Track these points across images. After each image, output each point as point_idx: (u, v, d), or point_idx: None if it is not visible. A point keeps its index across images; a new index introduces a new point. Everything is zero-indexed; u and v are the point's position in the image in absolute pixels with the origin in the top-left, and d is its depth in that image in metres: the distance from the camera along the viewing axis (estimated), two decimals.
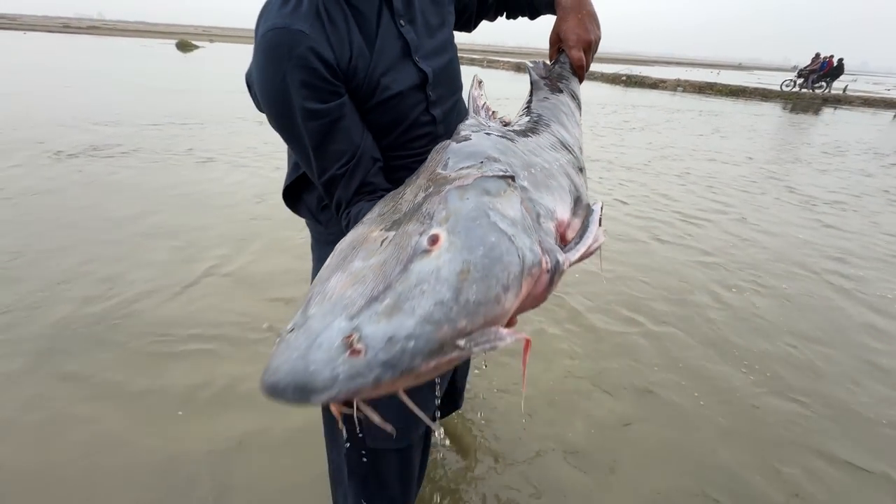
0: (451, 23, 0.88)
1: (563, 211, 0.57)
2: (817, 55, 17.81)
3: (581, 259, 0.56)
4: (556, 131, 0.74)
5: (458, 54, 0.91)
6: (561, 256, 0.50)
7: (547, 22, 0.97)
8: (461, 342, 0.38)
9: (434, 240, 0.42)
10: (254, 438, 1.55)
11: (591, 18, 0.88)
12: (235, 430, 1.58)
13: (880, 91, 22.93)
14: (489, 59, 27.03)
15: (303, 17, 0.67)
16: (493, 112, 0.75)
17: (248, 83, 0.78)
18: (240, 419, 1.62)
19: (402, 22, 0.77)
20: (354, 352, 0.35)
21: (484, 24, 1.04)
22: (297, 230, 3.11)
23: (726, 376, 2.00)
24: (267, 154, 5.05)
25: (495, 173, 0.51)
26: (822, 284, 2.87)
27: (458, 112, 0.88)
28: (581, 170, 0.72)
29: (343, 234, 0.62)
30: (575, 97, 0.90)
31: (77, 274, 2.48)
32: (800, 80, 18.03)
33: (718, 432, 1.70)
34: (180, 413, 1.64)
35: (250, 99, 0.80)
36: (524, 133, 0.69)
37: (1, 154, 4.45)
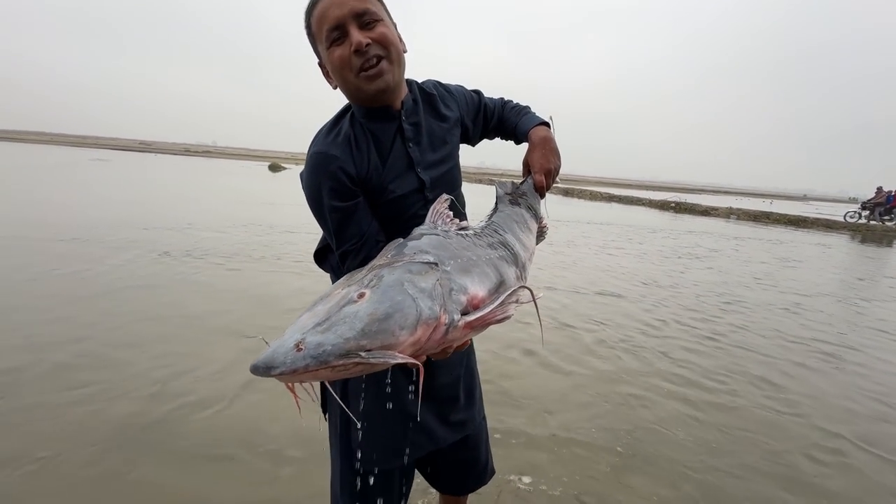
0: (454, 140, 1.11)
1: (480, 290, 0.79)
2: (880, 188, 17.45)
3: (480, 322, 0.73)
4: (503, 235, 0.98)
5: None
6: (457, 317, 0.71)
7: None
8: (363, 354, 0.60)
9: (361, 295, 0.66)
10: None
11: (552, 152, 1.12)
12: None
13: None
14: (478, 177, 28.90)
15: (338, 145, 0.95)
16: (453, 220, 0.94)
17: (301, 178, 1.04)
18: None
19: (410, 144, 1.02)
20: (298, 349, 0.58)
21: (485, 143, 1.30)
22: None
23: None
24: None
25: (422, 260, 0.76)
26: None
27: (455, 205, 1.05)
28: (516, 264, 0.94)
29: None
30: (531, 209, 1.14)
31: (152, 367, 2.66)
32: (865, 213, 17.48)
33: None
34: None
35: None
36: (467, 236, 0.91)
37: (115, 250, 5.21)
